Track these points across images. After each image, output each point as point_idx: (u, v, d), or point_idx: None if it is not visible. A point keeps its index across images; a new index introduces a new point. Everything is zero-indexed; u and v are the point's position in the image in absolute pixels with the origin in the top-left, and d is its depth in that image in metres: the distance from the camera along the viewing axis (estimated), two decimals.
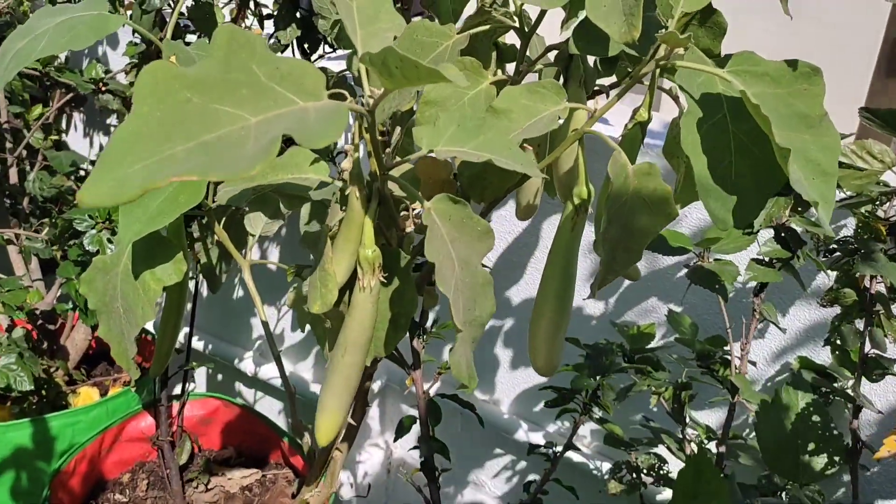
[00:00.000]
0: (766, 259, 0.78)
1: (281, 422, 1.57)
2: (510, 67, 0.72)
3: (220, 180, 0.55)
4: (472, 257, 0.52)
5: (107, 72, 1.45)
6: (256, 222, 1.03)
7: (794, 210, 0.74)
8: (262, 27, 1.22)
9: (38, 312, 1.28)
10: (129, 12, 1.10)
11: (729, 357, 0.88)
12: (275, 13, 1.12)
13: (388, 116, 0.66)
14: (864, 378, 0.82)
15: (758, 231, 0.77)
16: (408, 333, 0.98)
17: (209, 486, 1.14)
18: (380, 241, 0.57)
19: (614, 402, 0.94)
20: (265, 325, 1.03)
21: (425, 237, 0.50)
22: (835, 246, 0.80)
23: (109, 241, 0.97)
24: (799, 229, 0.78)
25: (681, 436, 0.93)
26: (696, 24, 0.58)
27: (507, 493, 1.39)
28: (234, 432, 1.26)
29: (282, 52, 1.13)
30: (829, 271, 0.84)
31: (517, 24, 0.66)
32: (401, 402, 1.49)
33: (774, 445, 0.79)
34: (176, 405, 1.19)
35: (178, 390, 1.20)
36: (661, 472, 0.98)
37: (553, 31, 0.70)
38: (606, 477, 1.04)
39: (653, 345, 0.96)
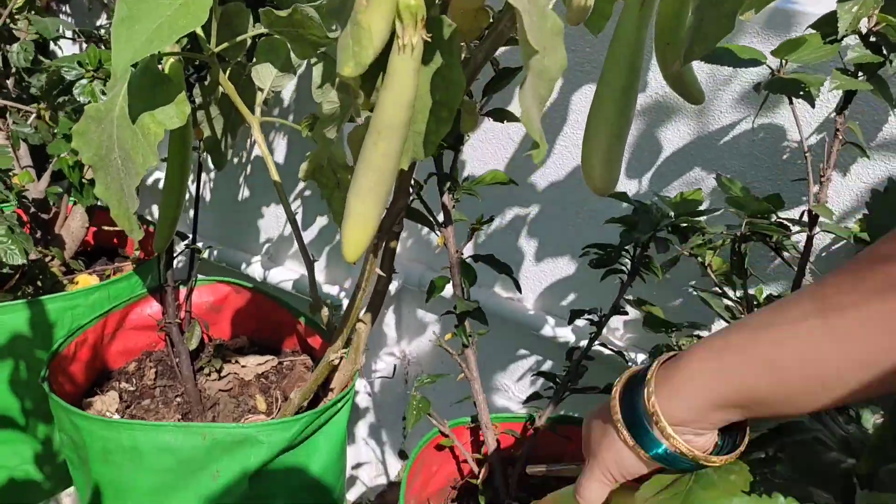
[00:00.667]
0: (852, 69, 0.69)
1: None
2: None
3: None
4: None
5: None
6: (265, 75, 0.94)
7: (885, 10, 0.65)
8: None
9: (29, 200, 1.19)
10: None
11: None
12: None
13: None
14: None
15: (842, 38, 0.68)
16: (437, 188, 0.89)
17: (222, 374, 1.06)
18: None
19: (663, 269, 0.86)
20: (277, 185, 0.94)
21: None
22: None
23: (103, 92, 0.87)
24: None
25: (738, 297, 0.85)
26: None
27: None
28: (246, 320, 1.17)
29: None
30: None
31: None
32: (417, 308, 1.42)
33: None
34: (183, 290, 1.11)
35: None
36: None
37: None
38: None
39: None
